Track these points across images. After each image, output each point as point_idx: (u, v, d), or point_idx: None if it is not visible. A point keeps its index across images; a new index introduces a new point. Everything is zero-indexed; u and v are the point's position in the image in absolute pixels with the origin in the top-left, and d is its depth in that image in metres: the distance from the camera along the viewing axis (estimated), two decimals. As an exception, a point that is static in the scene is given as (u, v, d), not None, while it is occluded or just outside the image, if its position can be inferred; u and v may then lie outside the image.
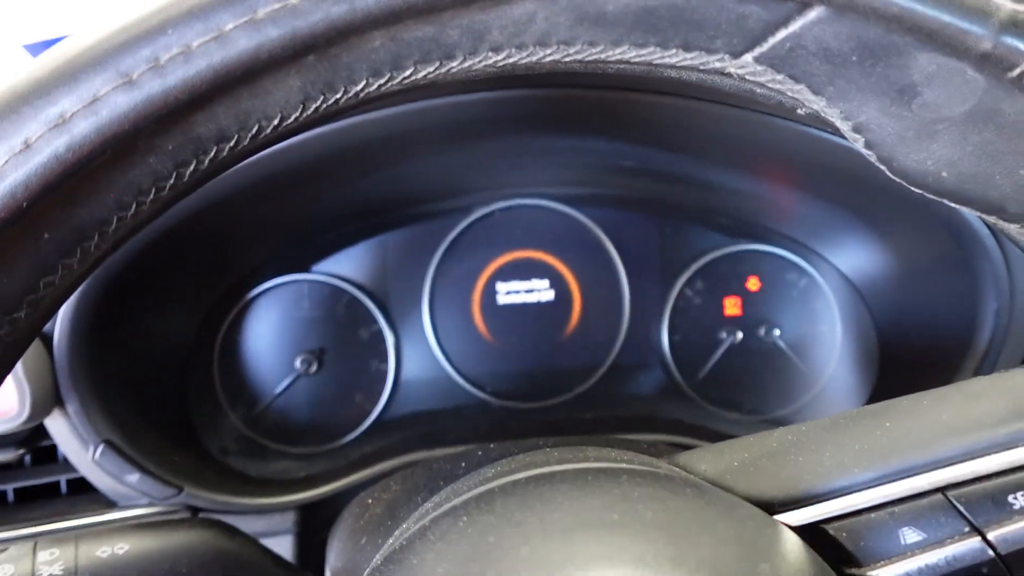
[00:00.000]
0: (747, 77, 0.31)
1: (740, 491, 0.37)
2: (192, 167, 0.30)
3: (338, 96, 0.30)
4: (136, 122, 0.27)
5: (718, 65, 0.31)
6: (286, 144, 0.63)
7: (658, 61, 0.31)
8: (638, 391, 1.07)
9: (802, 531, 0.36)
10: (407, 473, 0.63)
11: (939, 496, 0.37)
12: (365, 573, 0.35)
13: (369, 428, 1.02)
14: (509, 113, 0.74)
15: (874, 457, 0.38)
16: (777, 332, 1.05)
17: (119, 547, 0.54)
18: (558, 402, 1.05)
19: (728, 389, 1.06)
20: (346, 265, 1.03)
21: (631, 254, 1.06)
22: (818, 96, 0.31)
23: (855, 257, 0.98)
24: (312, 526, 0.84)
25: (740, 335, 1.05)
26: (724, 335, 1.05)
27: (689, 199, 1.01)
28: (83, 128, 0.27)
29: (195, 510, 0.78)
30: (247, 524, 0.80)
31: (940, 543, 0.35)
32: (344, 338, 1.02)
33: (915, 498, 0.37)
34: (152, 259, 0.75)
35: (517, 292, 1.06)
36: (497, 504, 0.33)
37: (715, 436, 0.94)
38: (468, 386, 1.05)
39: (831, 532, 0.37)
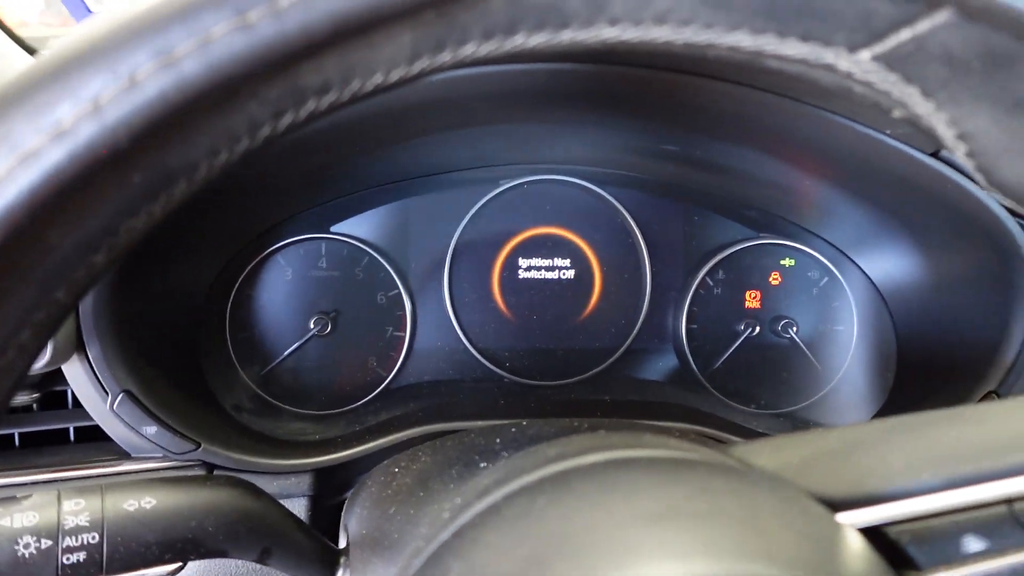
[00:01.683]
0: (854, 75, 0.30)
1: (802, 488, 0.37)
2: (287, 117, 0.30)
3: (443, 57, 0.29)
4: (248, 66, 0.26)
5: (829, 60, 0.30)
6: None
7: (768, 50, 0.30)
8: (653, 377, 1.07)
9: (864, 532, 0.36)
10: (435, 445, 0.63)
11: (1004, 508, 0.36)
12: (431, 548, 0.34)
13: (380, 394, 1.01)
14: (558, 85, 0.72)
15: (940, 463, 0.37)
16: (794, 329, 1.04)
17: (146, 501, 0.53)
18: (572, 382, 1.05)
19: (742, 381, 1.06)
20: (367, 228, 1.01)
21: (656, 239, 1.05)
22: (928, 100, 0.30)
23: (884, 262, 0.97)
24: (324, 491, 0.83)
25: (758, 328, 1.05)
26: (742, 327, 1.05)
27: (721, 188, 1.00)
28: (193, 67, 0.26)
29: (210, 467, 0.77)
30: (262, 485, 0.79)
31: (1003, 552, 0.35)
32: (360, 302, 1.01)
33: (980, 507, 0.36)
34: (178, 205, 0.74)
35: (538, 268, 1.05)
36: (576, 486, 0.33)
37: (729, 427, 0.94)
38: (483, 360, 1.04)
39: (892, 535, 0.37)
